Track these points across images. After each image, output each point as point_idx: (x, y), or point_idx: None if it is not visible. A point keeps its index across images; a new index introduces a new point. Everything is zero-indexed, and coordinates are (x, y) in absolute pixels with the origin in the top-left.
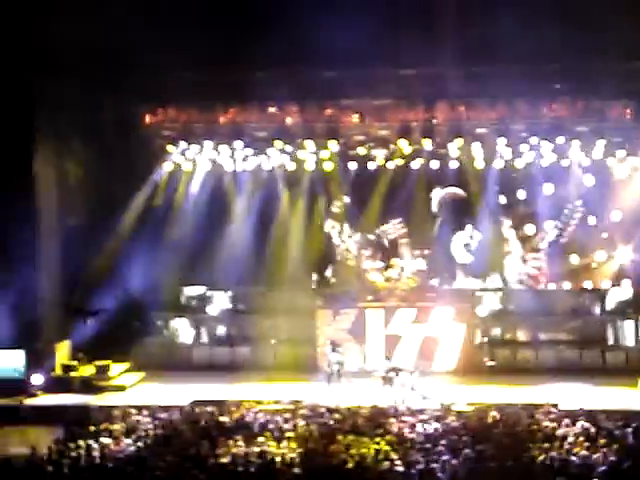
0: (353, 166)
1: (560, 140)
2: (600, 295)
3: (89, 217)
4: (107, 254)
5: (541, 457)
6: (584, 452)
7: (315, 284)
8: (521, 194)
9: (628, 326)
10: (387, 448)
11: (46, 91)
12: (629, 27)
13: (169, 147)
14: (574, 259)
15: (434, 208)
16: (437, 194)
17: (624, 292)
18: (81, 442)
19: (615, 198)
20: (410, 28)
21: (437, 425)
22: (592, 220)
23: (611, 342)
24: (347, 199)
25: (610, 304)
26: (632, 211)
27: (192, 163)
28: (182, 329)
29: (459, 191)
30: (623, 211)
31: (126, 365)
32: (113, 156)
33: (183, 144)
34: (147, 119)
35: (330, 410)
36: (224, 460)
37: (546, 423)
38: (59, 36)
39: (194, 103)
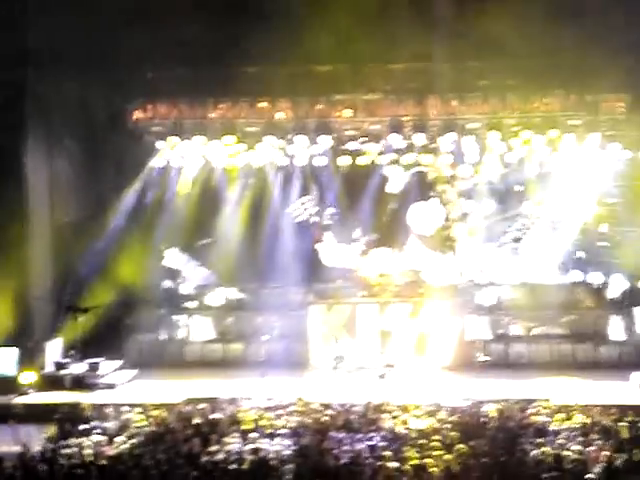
0: (344, 161)
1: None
2: (594, 289)
3: (80, 214)
4: (99, 251)
5: (534, 452)
6: (578, 447)
7: (307, 279)
8: None
9: (622, 320)
10: (381, 444)
11: (39, 89)
12: (622, 19)
13: (159, 143)
14: None
15: (393, 189)
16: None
17: (618, 286)
18: (73, 440)
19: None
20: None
21: (430, 420)
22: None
23: (605, 336)
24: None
25: (604, 298)
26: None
27: (182, 159)
28: (175, 326)
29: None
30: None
31: (118, 362)
32: (103, 153)
33: (173, 140)
34: (137, 115)
35: (323, 406)
36: (217, 457)
37: (539, 418)
38: (52, 32)
39: (184, 99)
